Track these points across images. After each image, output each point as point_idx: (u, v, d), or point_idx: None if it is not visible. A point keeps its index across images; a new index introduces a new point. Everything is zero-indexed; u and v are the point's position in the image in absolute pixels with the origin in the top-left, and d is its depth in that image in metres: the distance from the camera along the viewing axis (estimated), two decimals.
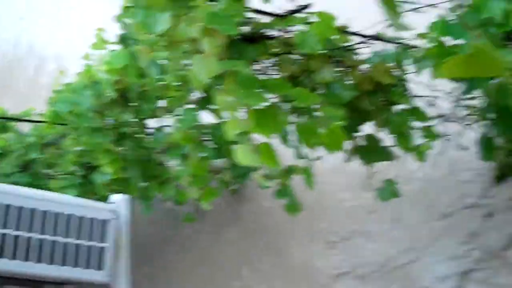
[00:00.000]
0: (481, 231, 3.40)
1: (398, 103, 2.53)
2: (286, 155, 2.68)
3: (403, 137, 2.54)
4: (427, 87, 2.63)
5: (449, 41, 2.16)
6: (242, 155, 2.20)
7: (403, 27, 1.39)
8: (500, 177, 3.23)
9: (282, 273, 4.13)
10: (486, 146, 2.57)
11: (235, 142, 2.26)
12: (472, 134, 2.83)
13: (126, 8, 2.62)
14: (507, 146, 2.91)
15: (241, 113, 2.21)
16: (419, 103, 2.64)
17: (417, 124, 2.60)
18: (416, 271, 3.57)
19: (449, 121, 2.92)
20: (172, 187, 3.77)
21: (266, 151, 2.19)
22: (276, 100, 2.32)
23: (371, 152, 2.60)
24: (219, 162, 3.69)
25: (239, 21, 2.22)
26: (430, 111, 2.82)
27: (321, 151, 2.38)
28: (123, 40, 2.92)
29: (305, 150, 2.47)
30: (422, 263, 3.56)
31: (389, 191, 2.73)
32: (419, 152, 2.60)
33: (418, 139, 2.62)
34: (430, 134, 2.59)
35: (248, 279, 4.30)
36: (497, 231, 3.36)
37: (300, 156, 2.58)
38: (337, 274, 3.84)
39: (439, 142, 2.96)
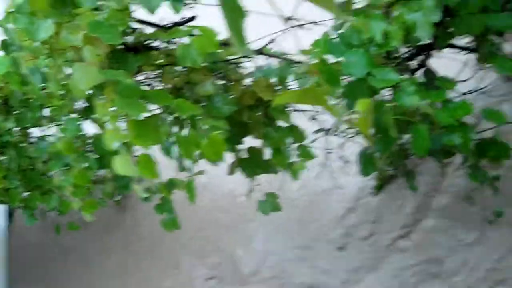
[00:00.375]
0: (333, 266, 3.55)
1: (278, 119, 2.56)
2: (171, 168, 2.69)
3: (279, 154, 2.57)
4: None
5: (331, 58, 2.22)
6: (121, 166, 2.19)
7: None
8: (379, 188, 3.34)
9: (158, 279, 4.14)
10: (366, 161, 2.63)
11: (115, 153, 2.24)
12: (354, 147, 2.91)
13: (9, 13, 2.55)
14: (385, 160, 3.02)
15: (122, 123, 2.20)
16: (299, 119, 2.69)
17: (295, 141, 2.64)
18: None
19: (332, 135, 3.00)
20: (55, 197, 3.70)
21: (145, 162, 2.19)
22: (158, 111, 2.33)
23: (253, 165, 2.63)
24: (102, 173, 3.66)
25: (123, 31, 2.21)
26: (312, 125, 2.89)
27: (204, 164, 2.39)
28: (5, 46, 2.84)
29: (188, 163, 2.48)
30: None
31: (270, 204, 2.76)
32: (293, 170, 2.64)
33: (294, 157, 2.66)
34: (305, 153, 2.63)
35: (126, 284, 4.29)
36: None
37: (183, 169, 2.58)
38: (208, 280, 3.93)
39: (322, 155, 3.04)
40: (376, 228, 3.52)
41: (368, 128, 1.97)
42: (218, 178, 3.14)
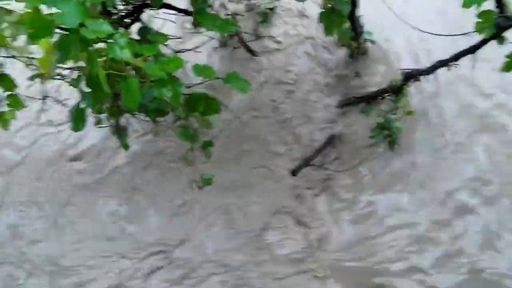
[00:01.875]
0: None
1: None
2: None
3: None
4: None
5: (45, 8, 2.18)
6: None
7: None
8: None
9: None
10: (76, 117, 2.62)
11: None
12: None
13: None
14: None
15: None
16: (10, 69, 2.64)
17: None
18: None
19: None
20: None
21: None
22: None
23: None
24: None
25: None
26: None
27: None
28: None
29: None
30: None
31: None
32: (3, 120, 2.60)
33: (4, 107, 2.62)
34: (15, 102, 2.60)
35: None
36: None
37: None
38: None
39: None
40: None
41: (50, 67, 1.96)
42: None
